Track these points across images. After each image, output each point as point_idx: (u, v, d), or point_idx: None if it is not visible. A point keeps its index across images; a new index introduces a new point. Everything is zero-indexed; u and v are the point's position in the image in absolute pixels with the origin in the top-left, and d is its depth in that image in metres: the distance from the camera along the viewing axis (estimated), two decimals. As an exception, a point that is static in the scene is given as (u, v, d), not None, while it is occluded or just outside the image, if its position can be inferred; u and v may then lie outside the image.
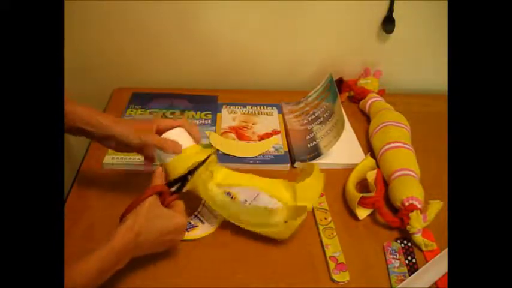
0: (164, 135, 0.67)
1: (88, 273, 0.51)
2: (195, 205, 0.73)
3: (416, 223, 0.69)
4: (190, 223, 0.70)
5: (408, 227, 0.70)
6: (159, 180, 0.63)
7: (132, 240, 0.56)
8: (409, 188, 0.73)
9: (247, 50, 1.05)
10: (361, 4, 0.99)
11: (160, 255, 0.65)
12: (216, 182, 0.69)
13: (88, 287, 0.51)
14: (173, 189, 0.64)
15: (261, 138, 0.90)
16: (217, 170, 0.71)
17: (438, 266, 0.64)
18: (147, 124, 0.68)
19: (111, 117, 0.67)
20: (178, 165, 0.66)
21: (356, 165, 0.80)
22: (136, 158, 0.81)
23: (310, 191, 0.69)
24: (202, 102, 0.99)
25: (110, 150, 0.83)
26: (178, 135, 0.67)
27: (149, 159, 0.70)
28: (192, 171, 0.66)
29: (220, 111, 0.97)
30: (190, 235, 0.68)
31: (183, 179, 0.66)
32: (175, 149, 0.66)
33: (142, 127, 0.67)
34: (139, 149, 0.68)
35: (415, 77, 1.13)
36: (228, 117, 0.96)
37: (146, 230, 0.57)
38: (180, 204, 0.63)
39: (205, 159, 0.67)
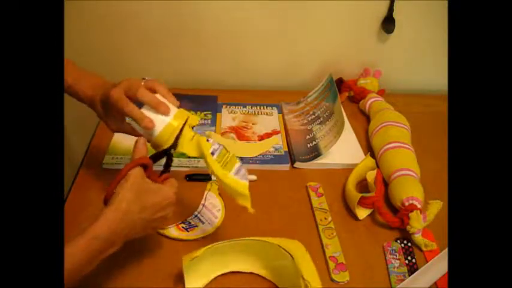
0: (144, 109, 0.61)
1: (72, 263, 0.46)
2: (195, 205, 0.73)
3: (416, 223, 0.69)
4: (190, 223, 0.70)
5: (408, 227, 0.70)
6: (141, 153, 0.57)
7: (121, 220, 0.51)
8: (409, 188, 0.73)
9: (247, 49, 1.05)
10: (361, 4, 0.99)
11: (160, 255, 0.65)
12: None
13: (71, 278, 0.47)
14: (162, 168, 0.61)
15: (261, 138, 0.90)
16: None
17: (438, 266, 0.64)
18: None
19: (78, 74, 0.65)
20: (169, 138, 0.61)
21: (356, 165, 0.80)
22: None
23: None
24: (202, 102, 0.99)
25: (109, 150, 0.83)
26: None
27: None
28: (174, 145, 0.61)
29: (220, 111, 0.97)
30: (190, 235, 0.68)
31: (167, 153, 0.61)
32: (166, 109, 0.60)
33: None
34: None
35: (415, 77, 1.13)
36: (228, 117, 0.96)
37: (136, 207, 0.52)
38: (171, 181, 0.59)
39: (183, 126, 0.61)
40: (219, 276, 0.63)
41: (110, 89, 0.61)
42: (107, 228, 0.50)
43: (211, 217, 0.72)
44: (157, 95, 0.62)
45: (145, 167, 0.56)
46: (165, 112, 0.60)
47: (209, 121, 0.93)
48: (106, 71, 1.05)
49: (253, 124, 0.94)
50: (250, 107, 1.00)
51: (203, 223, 0.71)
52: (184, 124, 0.62)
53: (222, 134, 0.90)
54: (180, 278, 0.62)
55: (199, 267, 0.61)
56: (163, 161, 0.63)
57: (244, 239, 0.63)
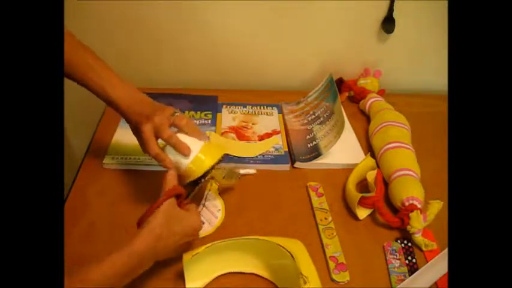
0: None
1: (105, 277, 0.51)
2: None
3: (416, 223, 0.69)
4: (190, 223, 0.70)
5: (408, 227, 0.70)
6: (173, 183, 0.62)
7: (154, 243, 0.56)
8: (409, 188, 0.73)
9: (247, 50, 1.05)
10: (361, 4, 0.99)
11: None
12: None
13: None
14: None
15: (261, 138, 0.90)
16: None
17: (438, 266, 0.64)
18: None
19: (124, 92, 0.68)
20: (196, 170, 0.65)
21: (356, 165, 0.80)
22: (137, 158, 0.81)
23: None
24: (202, 102, 0.99)
25: (110, 150, 0.83)
26: (183, 137, 0.66)
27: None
28: (205, 175, 0.65)
29: (220, 111, 0.97)
30: (191, 235, 0.68)
31: (197, 183, 0.66)
32: (186, 151, 0.64)
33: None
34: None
35: (415, 77, 1.13)
36: (228, 117, 0.96)
37: (167, 232, 0.57)
38: (193, 207, 0.64)
39: (218, 162, 0.66)
40: (219, 276, 0.63)
41: (142, 122, 0.64)
42: (143, 247, 0.55)
43: (211, 217, 0.72)
44: (180, 135, 0.65)
45: (177, 196, 0.61)
46: (187, 154, 0.64)
47: (209, 121, 0.93)
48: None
49: (253, 124, 0.94)
50: (250, 107, 1.00)
51: (203, 223, 0.71)
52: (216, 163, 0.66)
53: (222, 134, 0.90)
54: (180, 278, 0.62)
55: (199, 266, 0.61)
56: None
57: (244, 238, 0.63)
